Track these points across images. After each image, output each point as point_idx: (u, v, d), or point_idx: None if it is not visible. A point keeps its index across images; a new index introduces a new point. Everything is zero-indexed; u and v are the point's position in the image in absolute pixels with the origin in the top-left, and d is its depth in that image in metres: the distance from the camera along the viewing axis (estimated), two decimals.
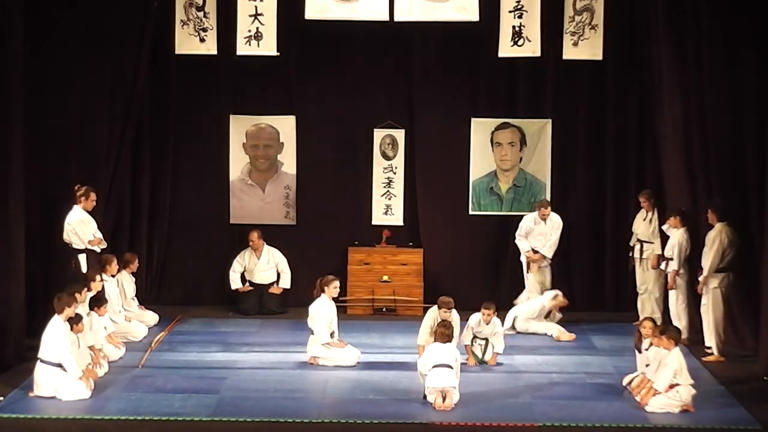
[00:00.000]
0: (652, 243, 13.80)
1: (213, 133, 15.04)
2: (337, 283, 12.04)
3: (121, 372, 11.42)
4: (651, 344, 10.68)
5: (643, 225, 13.96)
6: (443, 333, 10.72)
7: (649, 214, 13.93)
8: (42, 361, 10.46)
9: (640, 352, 10.86)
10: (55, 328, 10.51)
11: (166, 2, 13.62)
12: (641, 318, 13.80)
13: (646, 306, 13.96)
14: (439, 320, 11.32)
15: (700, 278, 12.26)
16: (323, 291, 11.95)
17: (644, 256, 13.94)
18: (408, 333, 13.42)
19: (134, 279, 13.84)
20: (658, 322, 10.94)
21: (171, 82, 14.80)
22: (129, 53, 13.60)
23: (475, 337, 12.01)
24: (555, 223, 14.15)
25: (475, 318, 12.02)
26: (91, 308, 11.61)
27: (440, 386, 10.21)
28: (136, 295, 13.87)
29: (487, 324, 11.95)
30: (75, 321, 10.73)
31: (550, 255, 14.13)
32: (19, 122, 11.75)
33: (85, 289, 11.44)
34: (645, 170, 14.75)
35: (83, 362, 10.71)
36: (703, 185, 12.90)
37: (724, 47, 12.49)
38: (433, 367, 10.33)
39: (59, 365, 10.38)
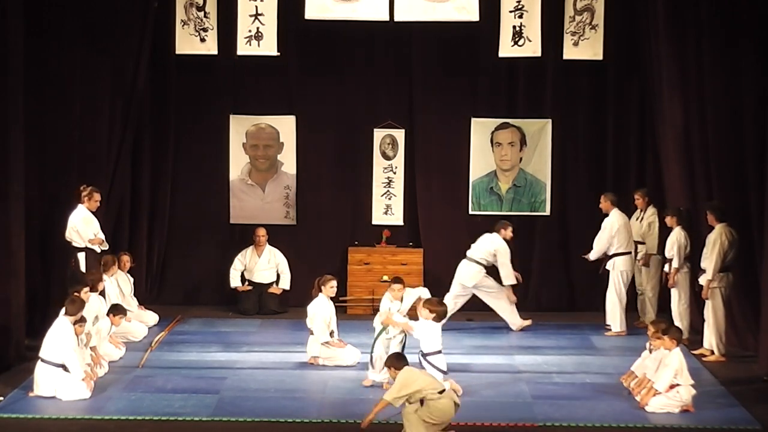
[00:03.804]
0: (644, 243, 13.81)
1: (213, 133, 15.05)
2: (334, 283, 12.02)
3: (121, 372, 11.41)
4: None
5: (635, 224, 13.96)
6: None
7: (642, 213, 13.93)
8: (43, 360, 10.45)
9: (650, 352, 10.81)
10: (63, 329, 10.49)
11: (166, 2, 13.64)
12: (641, 318, 13.89)
13: (646, 307, 13.96)
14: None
15: (702, 281, 12.25)
16: (321, 290, 11.95)
17: (638, 258, 13.95)
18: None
19: (132, 277, 13.83)
20: (659, 324, 10.91)
21: (171, 82, 14.81)
22: (129, 53, 13.63)
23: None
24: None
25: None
26: (108, 313, 11.61)
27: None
28: (135, 295, 13.86)
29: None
30: (77, 322, 10.73)
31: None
32: (19, 122, 11.75)
33: (87, 288, 11.42)
34: (645, 170, 14.77)
35: (84, 362, 10.70)
36: (703, 185, 12.92)
37: (724, 47, 12.49)
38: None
39: (61, 366, 10.37)
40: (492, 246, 13.58)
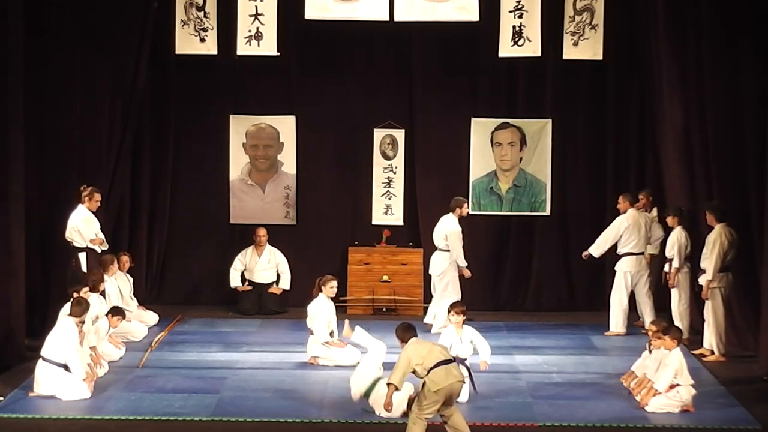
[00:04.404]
0: (648, 243, 13.81)
1: (213, 133, 15.04)
2: (334, 283, 12.03)
3: (121, 372, 11.41)
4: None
5: None
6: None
7: (647, 212, 13.93)
8: (44, 359, 10.45)
9: (650, 352, 10.80)
10: (67, 329, 10.49)
11: (166, 2, 13.64)
12: (641, 318, 13.88)
13: (645, 307, 13.95)
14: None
15: (702, 282, 12.25)
16: (321, 290, 11.96)
17: None
18: None
19: (131, 277, 13.81)
20: (660, 324, 10.93)
21: (171, 82, 14.81)
22: (129, 53, 13.62)
23: None
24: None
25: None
26: (107, 314, 11.63)
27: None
28: (135, 295, 13.86)
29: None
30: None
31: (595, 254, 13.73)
32: (19, 122, 11.75)
33: (87, 289, 11.41)
34: (645, 170, 14.77)
35: (84, 362, 10.70)
36: (703, 185, 12.92)
37: (724, 47, 12.50)
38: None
39: (63, 365, 10.37)
40: (444, 229, 13.53)
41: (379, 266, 14.72)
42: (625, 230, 13.43)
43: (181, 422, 9.80)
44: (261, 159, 15.14)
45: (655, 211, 13.90)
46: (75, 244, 12.63)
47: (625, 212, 13.51)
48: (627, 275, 13.47)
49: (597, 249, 13.61)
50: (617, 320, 13.49)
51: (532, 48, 13.41)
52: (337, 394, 10.70)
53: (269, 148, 15.13)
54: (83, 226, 12.60)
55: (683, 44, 12.92)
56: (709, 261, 12.16)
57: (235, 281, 14.76)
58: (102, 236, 12.79)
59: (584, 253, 13.67)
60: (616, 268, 13.56)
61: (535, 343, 13.03)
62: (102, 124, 13.51)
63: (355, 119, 15.07)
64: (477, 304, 13.95)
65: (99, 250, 12.80)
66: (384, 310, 14.56)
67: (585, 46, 13.61)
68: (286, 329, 13.66)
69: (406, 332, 9.38)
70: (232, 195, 15.14)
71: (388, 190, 15.12)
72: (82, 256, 12.60)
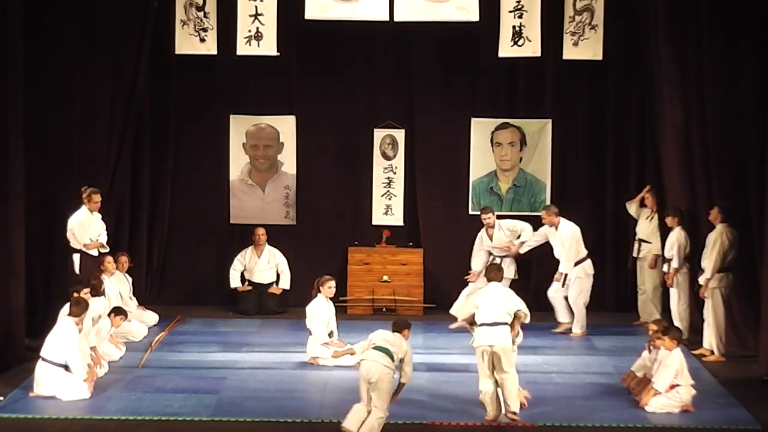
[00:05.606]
0: (650, 243, 13.81)
1: (213, 133, 15.05)
2: (332, 283, 12.03)
3: (121, 372, 11.41)
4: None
5: (644, 223, 13.95)
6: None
7: (653, 213, 13.93)
8: (44, 359, 10.45)
9: (650, 351, 10.81)
10: (67, 330, 10.50)
11: (166, 2, 13.64)
12: (641, 318, 13.90)
13: (646, 306, 13.96)
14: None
15: (701, 281, 12.25)
16: (319, 291, 11.96)
17: (640, 255, 13.96)
18: None
19: (130, 278, 13.80)
20: (660, 324, 10.94)
21: (171, 82, 14.81)
22: (129, 53, 13.62)
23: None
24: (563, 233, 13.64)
25: None
26: (109, 313, 11.63)
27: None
28: (135, 295, 13.86)
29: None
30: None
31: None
32: (19, 122, 11.75)
33: (87, 290, 11.41)
34: (645, 170, 14.77)
35: (85, 363, 10.70)
36: (703, 185, 12.92)
37: (724, 47, 12.50)
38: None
39: (63, 366, 10.38)
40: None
41: (379, 266, 14.72)
42: (578, 239, 13.48)
43: (181, 422, 9.80)
44: (261, 159, 15.14)
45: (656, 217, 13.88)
46: (72, 245, 12.62)
47: (554, 224, 13.53)
48: (590, 278, 13.60)
49: (569, 266, 13.53)
50: (567, 315, 13.62)
51: (532, 48, 13.41)
52: (337, 394, 10.70)
53: (269, 148, 15.14)
54: (77, 230, 12.56)
55: (683, 44, 12.92)
56: (708, 260, 12.17)
57: (234, 282, 14.76)
58: (103, 239, 12.75)
59: (557, 276, 13.62)
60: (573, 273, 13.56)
61: (535, 343, 13.00)
62: (102, 124, 13.51)
63: (355, 119, 15.08)
64: None
65: (97, 253, 12.78)
66: (384, 310, 14.56)
67: (585, 46, 13.60)
68: (286, 329, 13.66)
69: (495, 273, 10.31)
70: (232, 195, 15.14)
71: (388, 190, 15.12)
72: (76, 258, 12.57)
